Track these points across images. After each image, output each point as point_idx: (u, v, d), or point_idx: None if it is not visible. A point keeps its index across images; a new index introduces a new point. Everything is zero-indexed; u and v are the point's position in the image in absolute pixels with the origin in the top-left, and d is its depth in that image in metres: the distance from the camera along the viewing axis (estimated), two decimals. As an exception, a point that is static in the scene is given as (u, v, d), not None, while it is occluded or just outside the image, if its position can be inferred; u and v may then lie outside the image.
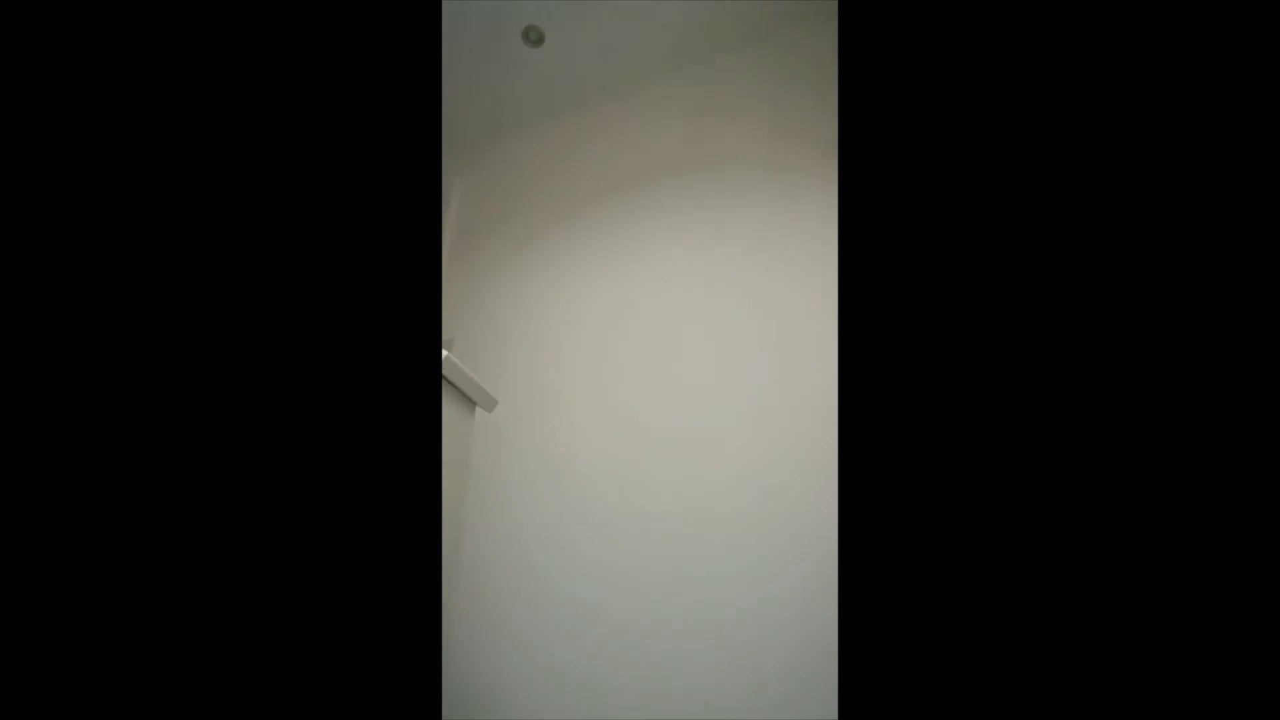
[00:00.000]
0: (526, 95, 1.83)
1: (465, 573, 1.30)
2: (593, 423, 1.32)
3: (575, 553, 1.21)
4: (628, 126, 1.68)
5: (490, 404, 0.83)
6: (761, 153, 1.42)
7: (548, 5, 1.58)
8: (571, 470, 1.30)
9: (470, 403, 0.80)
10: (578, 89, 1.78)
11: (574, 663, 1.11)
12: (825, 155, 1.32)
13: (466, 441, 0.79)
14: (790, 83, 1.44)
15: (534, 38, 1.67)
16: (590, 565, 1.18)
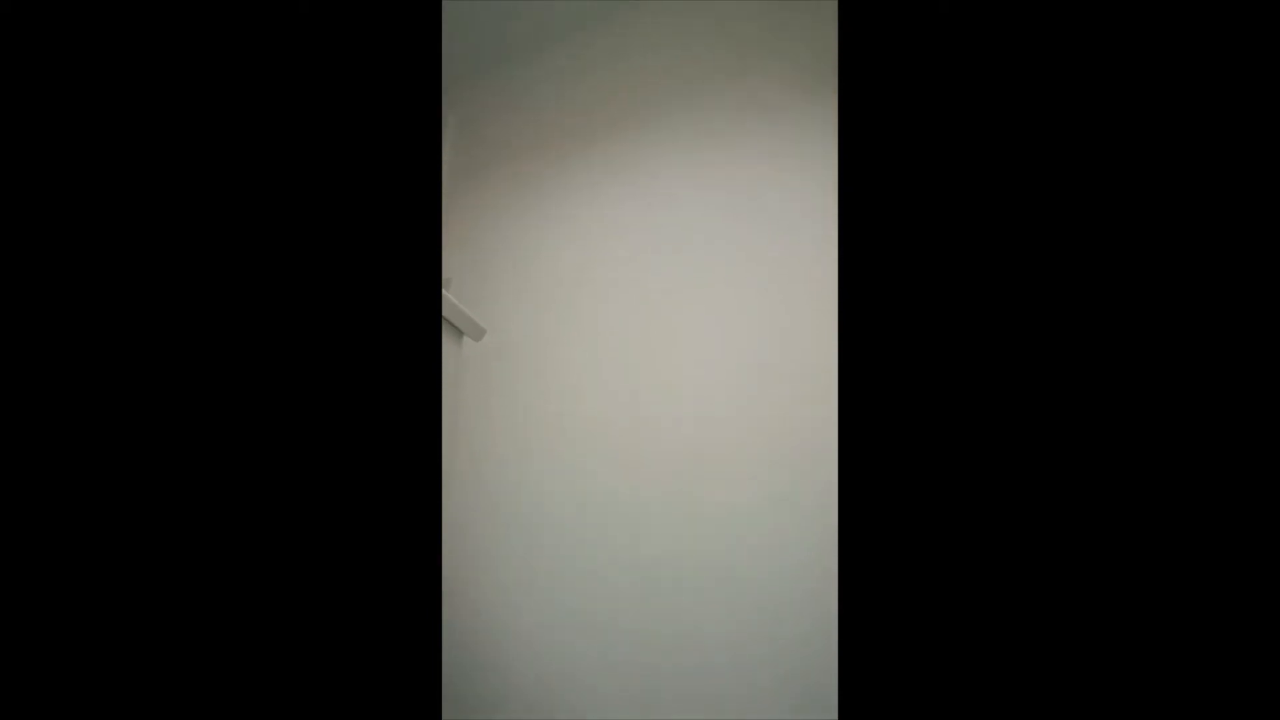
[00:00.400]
0: (520, 19, 1.68)
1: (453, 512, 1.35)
2: (592, 368, 1.32)
3: (566, 504, 1.25)
4: (626, 52, 1.56)
5: (478, 333, 0.83)
6: (760, 80, 1.34)
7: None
8: (569, 420, 1.31)
9: (457, 332, 0.80)
10: (573, 13, 1.64)
11: (561, 634, 1.17)
12: (824, 79, 1.24)
13: (455, 371, 0.79)
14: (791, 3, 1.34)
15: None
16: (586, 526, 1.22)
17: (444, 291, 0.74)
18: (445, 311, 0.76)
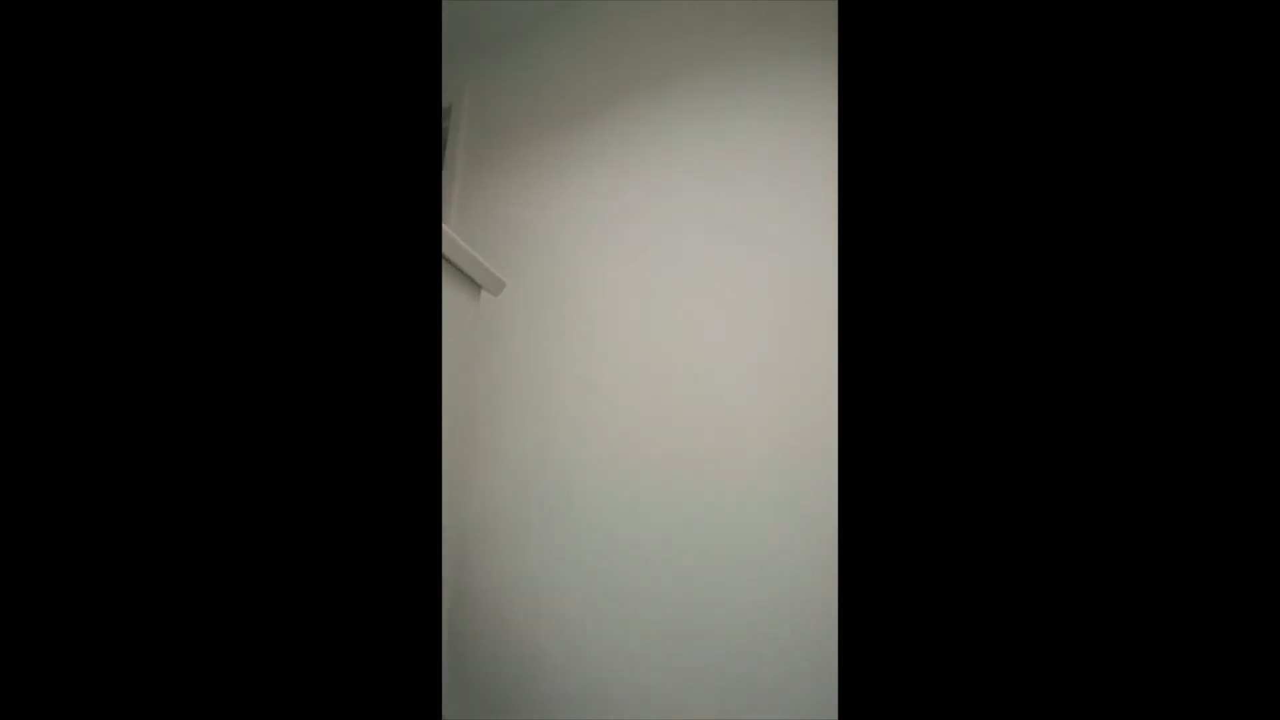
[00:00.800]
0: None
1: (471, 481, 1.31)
2: (611, 335, 1.25)
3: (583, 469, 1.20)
4: (636, 26, 1.44)
5: (497, 286, 0.75)
6: (759, 45, 1.22)
7: None
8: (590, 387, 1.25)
9: (474, 285, 0.73)
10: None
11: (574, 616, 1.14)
12: (828, 49, 1.12)
13: (470, 328, 0.73)
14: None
15: None
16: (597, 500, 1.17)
17: (460, 241, 0.67)
18: (461, 263, 0.69)
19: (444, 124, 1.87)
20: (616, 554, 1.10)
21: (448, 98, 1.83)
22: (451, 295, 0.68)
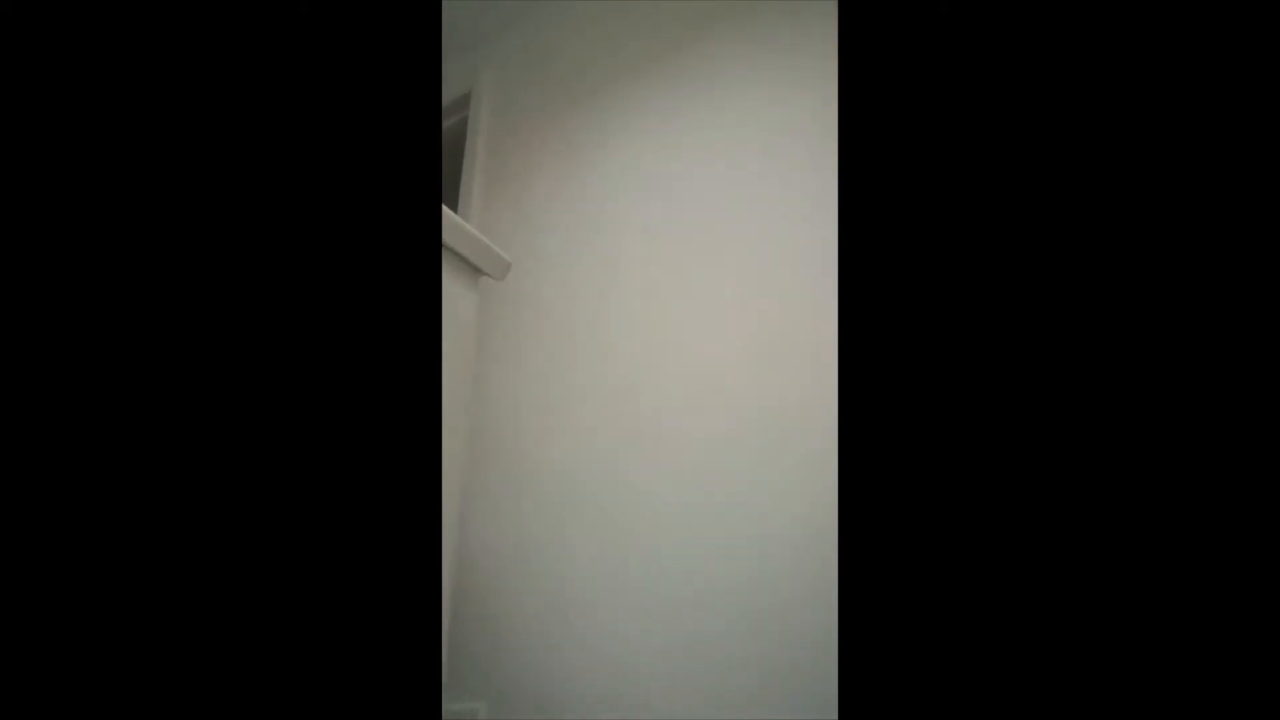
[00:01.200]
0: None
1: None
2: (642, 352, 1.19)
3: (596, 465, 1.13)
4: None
5: (501, 270, 0.69)
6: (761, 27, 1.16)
7: None
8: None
9: (473, 270, 0.66)
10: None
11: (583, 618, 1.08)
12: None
13: (472, 318, 0.66)
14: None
15: None
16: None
17: (454, 216, 0.61)
18: (460, 246, 0.63)
19: (464, 111, 1.83)
20: (631, 556, 1.04)
21: (466, 84, 1.79)
22: (447, 281, 0.62)
